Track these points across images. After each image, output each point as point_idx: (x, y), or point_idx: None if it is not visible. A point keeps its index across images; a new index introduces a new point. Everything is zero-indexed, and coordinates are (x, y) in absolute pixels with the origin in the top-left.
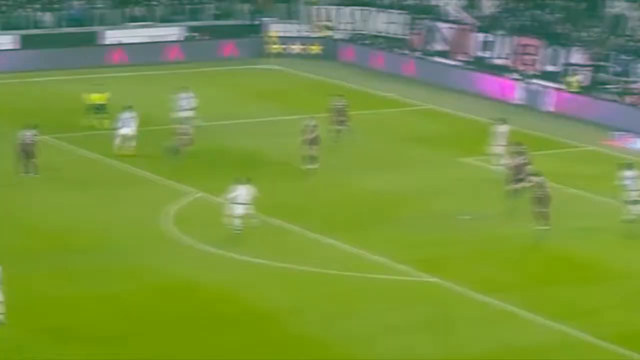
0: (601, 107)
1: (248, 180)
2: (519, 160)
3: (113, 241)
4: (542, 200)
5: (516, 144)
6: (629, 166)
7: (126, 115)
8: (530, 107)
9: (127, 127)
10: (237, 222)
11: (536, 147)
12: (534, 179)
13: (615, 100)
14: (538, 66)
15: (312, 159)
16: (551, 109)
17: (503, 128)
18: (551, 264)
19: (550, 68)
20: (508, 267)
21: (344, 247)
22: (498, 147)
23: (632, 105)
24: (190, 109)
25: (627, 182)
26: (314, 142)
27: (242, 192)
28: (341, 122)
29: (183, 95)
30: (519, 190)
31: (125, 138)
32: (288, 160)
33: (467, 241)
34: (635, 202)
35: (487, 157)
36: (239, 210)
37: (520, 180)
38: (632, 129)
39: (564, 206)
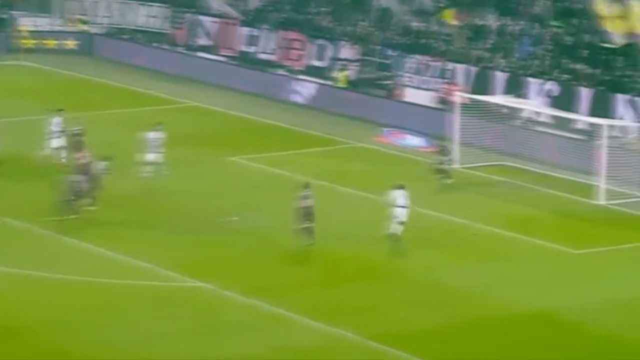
0: (369, 102)
1: None
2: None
3: None
4: (308, 214)
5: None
6: (399, 187)
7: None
8: (300, 103)
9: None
10: None
11: (303, 145)
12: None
13: (382, 96)
14: (304, 61)
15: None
16: (319, 105)
17: (154, 135)
18: (322, 264)
19: (316, 63)
20: (278, 269)
21: (106, 254)
22: (149, 154)
23: (399, 100)
24: None
25: (396, 201)
26: (85, 172)
27: None
28: (78, 148)
29: None
30: None
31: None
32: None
33: (235, 243)
34: (401, 222)
35: (254, 157)
36: None
37: None
38: (400, 125)
39: (334, 204)
